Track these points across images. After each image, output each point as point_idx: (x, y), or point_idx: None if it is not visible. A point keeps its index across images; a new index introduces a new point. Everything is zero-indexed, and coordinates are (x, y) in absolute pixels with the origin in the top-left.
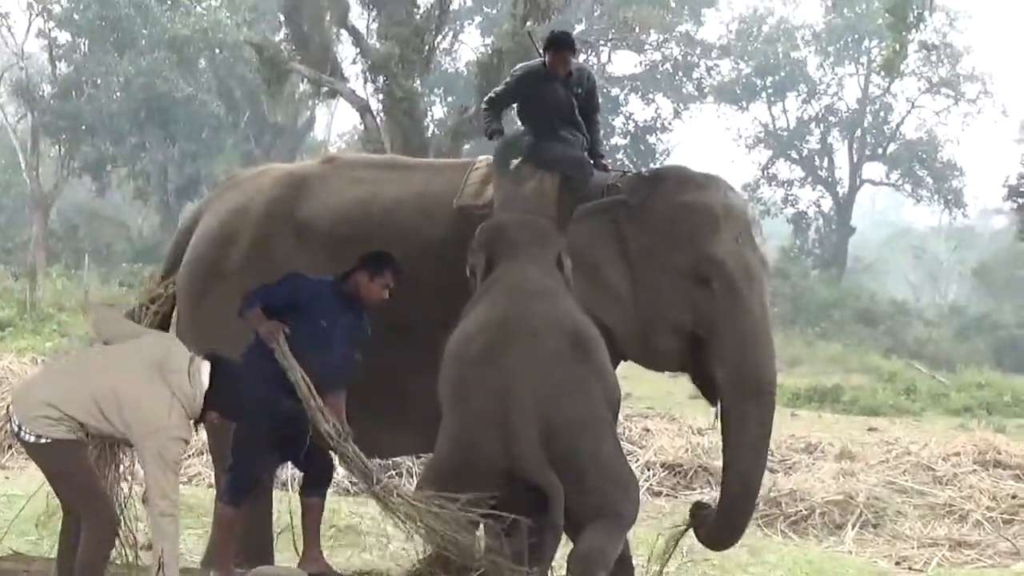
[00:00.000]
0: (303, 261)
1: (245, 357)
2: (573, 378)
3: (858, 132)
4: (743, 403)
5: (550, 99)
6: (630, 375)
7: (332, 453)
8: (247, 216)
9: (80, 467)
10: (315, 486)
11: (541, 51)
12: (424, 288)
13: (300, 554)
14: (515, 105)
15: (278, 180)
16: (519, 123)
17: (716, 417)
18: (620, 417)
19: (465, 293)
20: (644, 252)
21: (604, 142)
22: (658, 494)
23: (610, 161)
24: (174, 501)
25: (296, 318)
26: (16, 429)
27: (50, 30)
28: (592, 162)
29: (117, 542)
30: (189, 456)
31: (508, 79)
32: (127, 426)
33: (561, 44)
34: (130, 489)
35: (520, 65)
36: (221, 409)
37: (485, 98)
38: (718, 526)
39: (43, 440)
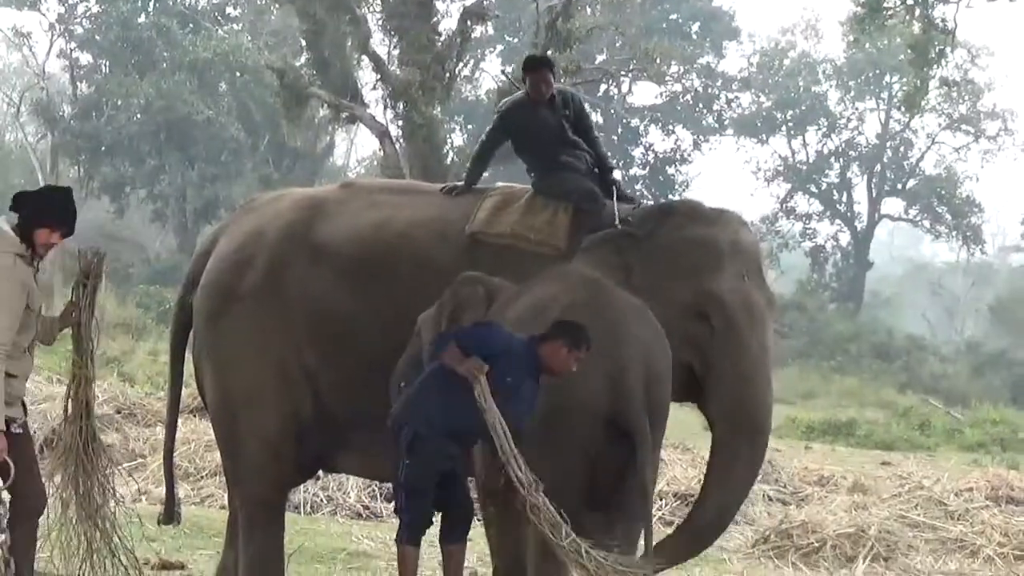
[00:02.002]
0: (318, 284)
1: (420, 393)
2: (660, 334)
3: (877, 167)
4: (735, 442)
5: (540, 126)
6: None
7: (522, 504)
8: (263, 239)
9: None
10: (458, 531)
11: (522, 85)
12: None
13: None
14: (508, 142)
15: (295, 204)
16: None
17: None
18: None
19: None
20: (647, 284)
21: (620, 170)
22: (670, 523)
23: (629, 190)
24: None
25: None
26: None
27: (71, 51)
28: (604, 180)
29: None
30: (202, 477)
31: (493, 119)
32: None
33: (537, 64)
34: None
35: (503, 101)
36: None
37: (476, 148)
38: (678, 544)
39: None
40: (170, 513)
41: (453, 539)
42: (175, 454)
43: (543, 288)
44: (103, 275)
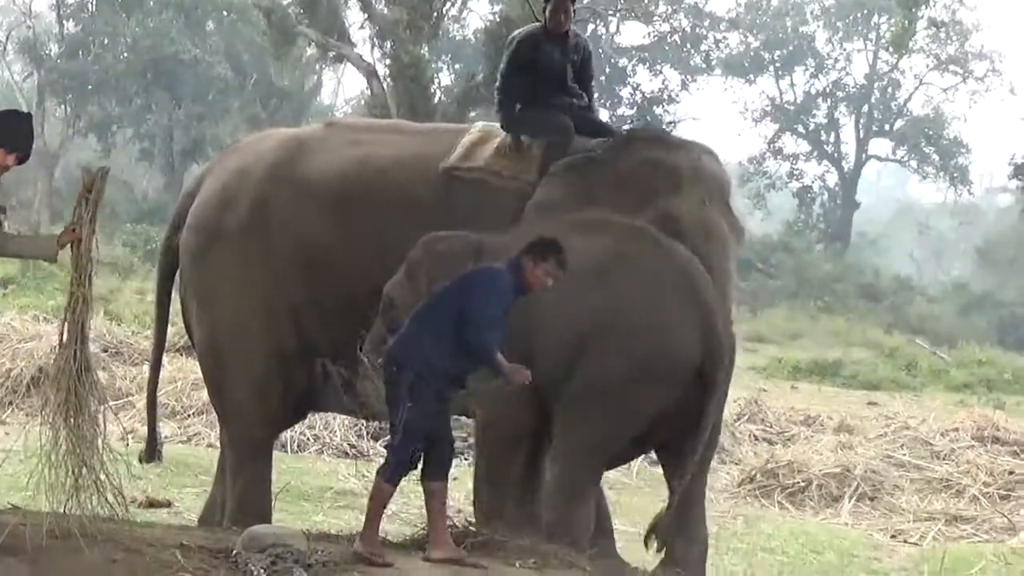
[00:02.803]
0: (300, 220)
1: (440, 345)
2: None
3: (865, 108)
4: None
5: (544, 63)
6: None
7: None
8: (247, 178)
9: None
10: (440, 469)
11: (540, 15)
12: (411, 245)
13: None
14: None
15: (278, 143)
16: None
17: None
18: None
19: None
20: (608, 208)
21: (608, 110)
22: (656, 463)
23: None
24: None
25: None
26: None
27: None
28: (588, 120)
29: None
30: (189, 416)
31: (507, 49)
32: None
33: None
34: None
35: (517, 31)
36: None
37: (498, 87)
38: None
39: None
40: (151, 451)
41: (436, 477)
42: (161, 393)
43: (578, 238)
44: (104, 191)
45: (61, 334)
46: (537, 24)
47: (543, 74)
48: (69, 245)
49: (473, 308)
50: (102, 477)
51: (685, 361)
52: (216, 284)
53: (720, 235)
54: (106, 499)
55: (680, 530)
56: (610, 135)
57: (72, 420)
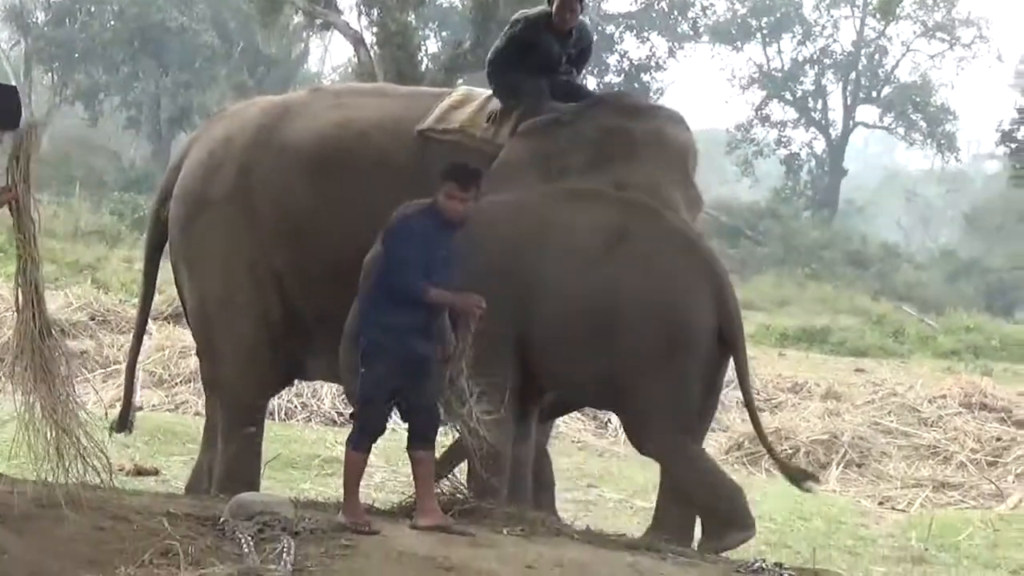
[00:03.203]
0: (282, 185)
1: (377, 303)
2: None
3: (852, 75)
4: None
5: (542, 52)
6: None
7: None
8: (232, 145)
9: None
10: (423, 438)
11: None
12: (390, 210)
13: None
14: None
15: (262, 109)
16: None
17: None
18: None
19: None
20: (564, 172)
21: (595, 77)
22: None
23: None
24: None
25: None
26: None
27: None
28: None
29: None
30: (176, 384)
31: (509, 28)
32: None
33: None
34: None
35: (521, 13)
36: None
37: (491, 59)
38: None
39: None
40: (124, 421)
41: (419, 446)
42: (149, 361)
43: (578, 212)
44: (37, 148)
45: (16, 299)
46: (544, 9)
47: (538, 61)
48: (8, 208)
49: (390, 256)
50: (84, 443)
51: (706, 326)
52: (203, 253)
53: (672, 205)
54: (92, 466)
55: (672, 496)
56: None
57: (43, 385)
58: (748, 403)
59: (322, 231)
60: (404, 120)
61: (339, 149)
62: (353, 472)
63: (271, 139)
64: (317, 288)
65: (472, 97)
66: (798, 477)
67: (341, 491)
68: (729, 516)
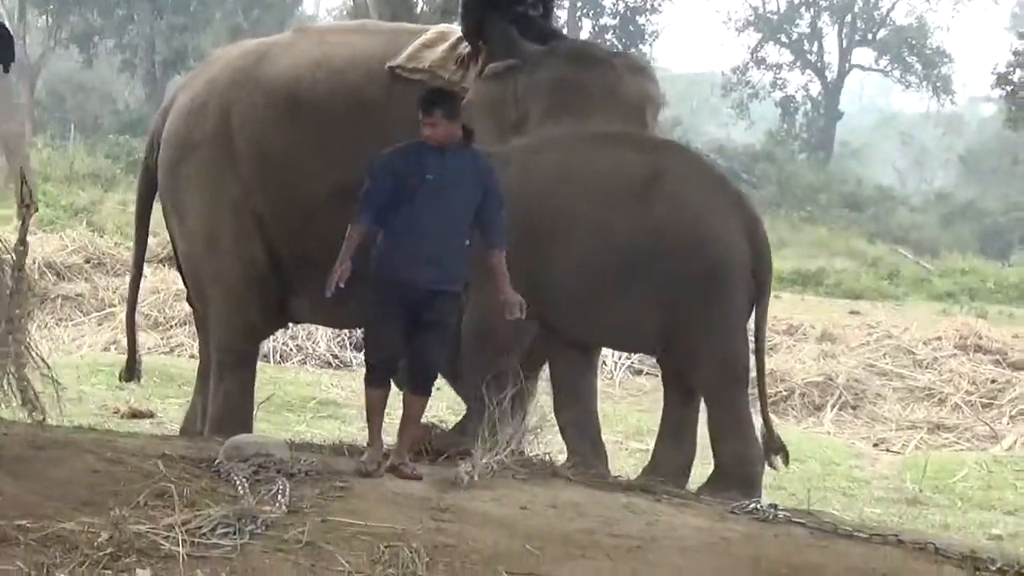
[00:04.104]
0: (261, 126)
1: (388, 236)
2: None
3: (848, 17)
4: None
5: None
6: None
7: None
8: (215, 87)
9: None
10: (417, 380)
11: None
12: (363, 149)
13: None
14: None
15: (244, 51)
16: None
17: None
18: None
19: None
20: (522, 120)
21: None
22: (639, 372)
23: (598, 40)
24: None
25: (406, 194)
26: None
27: None
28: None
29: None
30: (172, 327)
31: None
32: None
33: None
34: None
35: None
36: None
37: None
38: None
39: None
40: (131, 370)
41: (412, 387)
42: (144, 304)
43: (606, 155)
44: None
45: None
46: None
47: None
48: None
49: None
50: (20, 383)
51: (742, 264)
52: (189, 196)
53: None
54: (24, 406)
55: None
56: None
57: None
58: (759, 349)
59: (297, 170)
60: (379, 58)
61: (314, 88)
62: (369, 412)
63: (250, 80)
64: (294, 228)
65: (447, 36)
66: (771, 447)
67: (336, 433)
68: (742, 477)
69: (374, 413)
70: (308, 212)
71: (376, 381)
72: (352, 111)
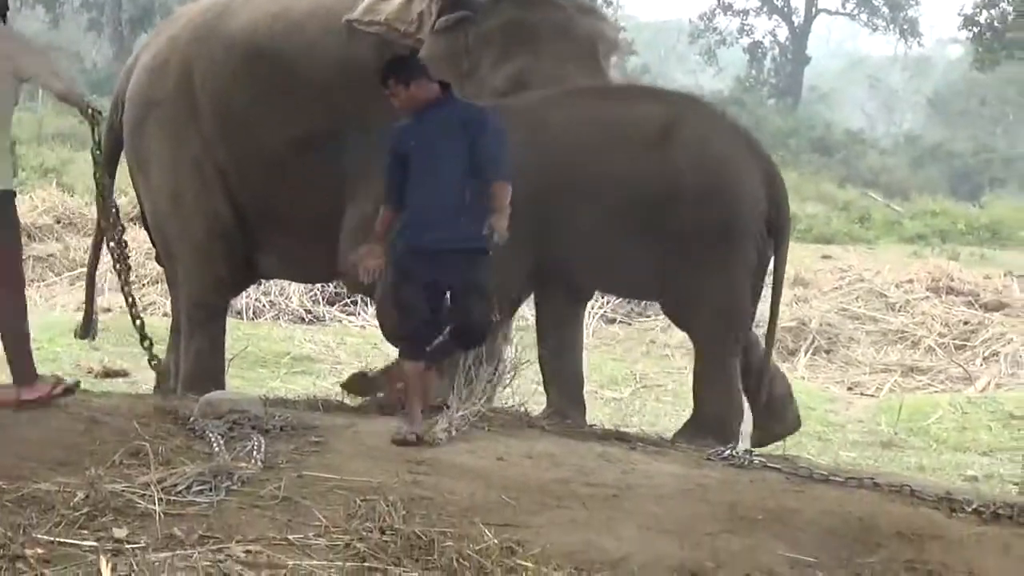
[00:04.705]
0: (220, 80)
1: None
2: None
3: None
4: None
5: None
6: None
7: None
8: (175, 44)
9: None
10: (433, 352)
11: None
12: (322, 103)
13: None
14: None
15: (206, 7)
16: None
17: None
18: None
19: (357, 110)
20: (471, 71)
21: None
22: (612, 321)
23: None
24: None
25: (406, 168)
26: None
27: None
28: None
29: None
30: (144, 285)
31: None
32: None
33: None
34: None
35: None
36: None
37: None
38: None
39: None
40: (87, 328)
41: (464, 351)
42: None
43: (625, 108)
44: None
45: None
46: None
47: None
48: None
49: None
50: None
51: (759, 214)
52: (152, 153)
53: None
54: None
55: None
56: None
57: None
58: (775, 301)
59: (255, 124)
60: (337, 10)
61: (272, 40)
62: (406, 385)
63: (211, 35)
64: (256, 182)
65: None
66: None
67: (310, 388)
68: (718, 430)
69: (412, 389)
70: (268, 166)
71: (411, 353)
72: (308, 64)
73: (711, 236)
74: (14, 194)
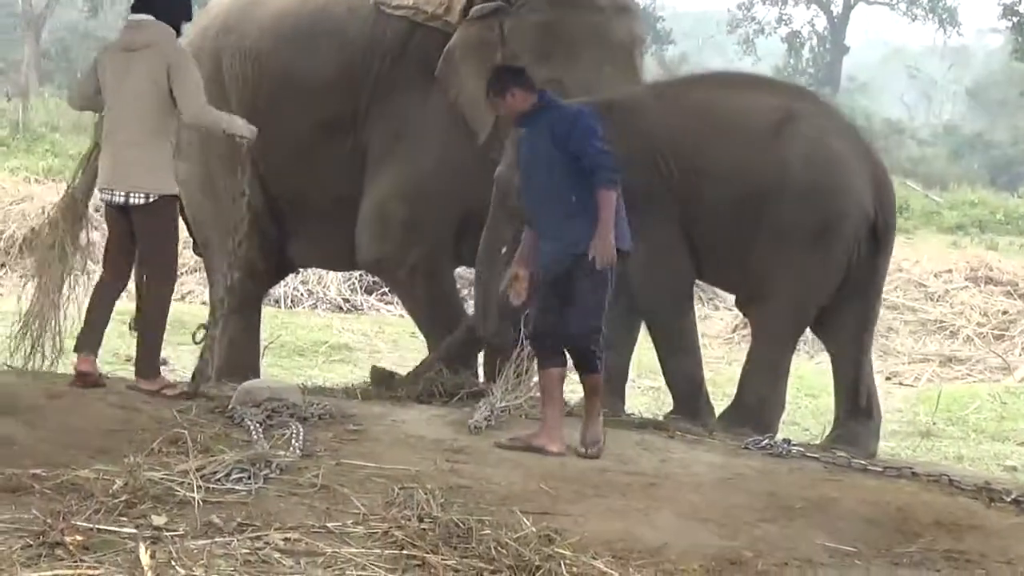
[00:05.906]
0: (249, 65)
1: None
2: None
3: None
4: None
5: None
6: None
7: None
8: (208, 32)
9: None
10: (574, 361)
11: None
12: (350, 85)
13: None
14: None
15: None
16: None
17: None
18: None
19: (383, 92)
20: (509, 63)
21: None
22: None
23: None
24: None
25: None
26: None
27: None
28: None
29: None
30: (183, 274)
31: None
32: None
33: None
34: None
35: None
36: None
37: None
38: None
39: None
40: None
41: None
42: None
43: (739, 97)
44: None
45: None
46: None
47: None
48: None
49: None
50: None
51: (863, 216)
52: (185, 142)
53: None
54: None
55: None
56: None
57: (45, 280)
58: (877, 301)
59: (286, 107)
60: None
61: (298, 24)
62: (542, 390)
63: (240, 22)
64: (284, 167)
65: None
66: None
67: (348, 377)
68: (758, 419)
69: (548, 394)
70: (295, 151)
71: (544, 360)
72: (335, 46)
73: (806, 233)
74: (177, 198)
